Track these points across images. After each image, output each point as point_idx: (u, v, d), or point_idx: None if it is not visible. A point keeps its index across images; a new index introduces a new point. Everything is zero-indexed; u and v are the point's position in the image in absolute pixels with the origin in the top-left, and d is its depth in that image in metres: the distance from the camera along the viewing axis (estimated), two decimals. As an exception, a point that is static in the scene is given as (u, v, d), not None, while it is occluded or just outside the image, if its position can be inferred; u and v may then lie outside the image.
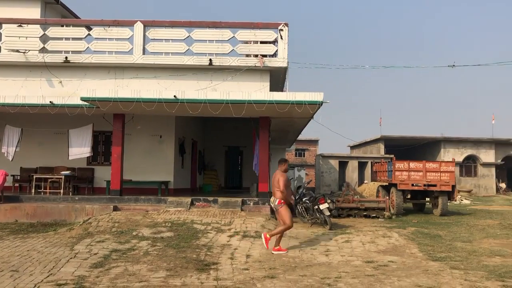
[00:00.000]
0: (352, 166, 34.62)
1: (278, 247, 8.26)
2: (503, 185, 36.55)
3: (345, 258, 7.72)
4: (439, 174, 14.90)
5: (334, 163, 34.32)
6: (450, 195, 15.11)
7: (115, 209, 12.11)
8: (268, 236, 8.36)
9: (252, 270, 6.82)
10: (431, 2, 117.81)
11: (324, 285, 5.92)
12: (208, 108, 11.53)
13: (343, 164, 35.12)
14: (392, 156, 33.64)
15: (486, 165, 35.42)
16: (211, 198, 12.81)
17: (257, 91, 12.37)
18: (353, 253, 8.20)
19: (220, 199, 12.72)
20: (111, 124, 13.24)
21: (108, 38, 13.75)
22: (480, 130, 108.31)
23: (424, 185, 14.84)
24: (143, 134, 15.15)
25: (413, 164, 15.17)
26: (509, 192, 36.11)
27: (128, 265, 7.02)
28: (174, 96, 11.45)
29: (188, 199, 12.59)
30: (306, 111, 11.75)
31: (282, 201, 8.36)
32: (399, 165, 15.14)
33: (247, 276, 6.42)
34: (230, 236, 9.43)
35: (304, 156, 58.84)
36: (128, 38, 13.65)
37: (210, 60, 13.23)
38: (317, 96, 10.96)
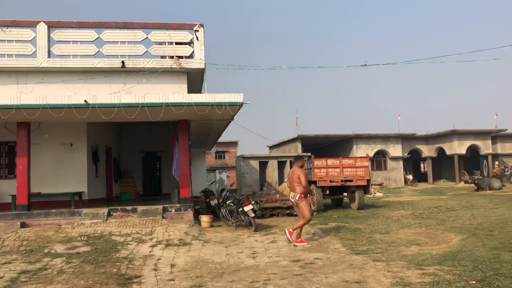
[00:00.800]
0: (272, 165, 35.14)
1: (300, 239, 8.93)
2: (410, 177, 39.17)
3: (272, 259, 7.65)
4: (354, 169, 15.50)
5: (255, 163, 34.60)
6: (365, 189, 15.78)
7: (23, 225, 11.12)
8: (291, 230, 8.96)
9: (178, 280, 6.50)
10: (341, 2, 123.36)
11: (254, 289, 5.78)
12: (123, 113, 10.93)
13: (263, 164, 35.52)
14: (309, 154, 34.71)
15: (395, 159, 37.75)
16: (129, 207, 12.19)
17: (174, 93, 11.97)
18: (280, 253, 8.17)
19: (140, 208, 12.15)
20: (14, 133, 12.12)
21: (7, 40, 12.59)
22: (388, 127, 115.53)
23: (342, 181, 15.35)
24: (52, 143, 14.07)
25: (330, 161, 15.63)
26: (416, 183, 38.80)
27: (40, 286, 6.37)
28: (85, 101, 10.71)
29: (104, 210, 11.88)
30: (227, 113, 11.59)
31: (303, 195, 8.85)
32: (318, 162, 15.52)
33: (173, 287, 6.11)
34: (152, 246, 9.00)
35: (224, 158, 58.80)
36: (30, 40, 12.61)
37: (123, 62, 12.61)
38: (237, 97, 10.84)
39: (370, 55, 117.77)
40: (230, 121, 13.89)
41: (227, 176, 43.85)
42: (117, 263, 7.68)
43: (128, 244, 9.17)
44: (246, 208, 10.76)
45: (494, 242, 7.92)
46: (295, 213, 13.91)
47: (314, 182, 15.31)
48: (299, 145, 37.66)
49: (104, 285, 6.31)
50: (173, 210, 12.19)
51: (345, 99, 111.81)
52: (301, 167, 9.16)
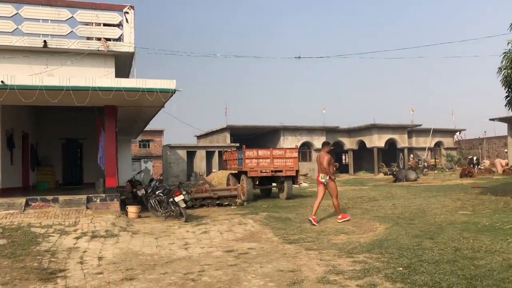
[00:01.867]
0: (200, 155, 34.85)
1: (342, 215, 10.05)
2: (333, 168, 40.68)
3: (205, 250, 7.53)
4: (284, 160, 15.77)
5: (182, 153, 34.11)
6: (294, 179, 16.12)
7: None
8: (339, 216, 10.01)
9: (107, 273, 6.18)
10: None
11: (188, 281, 5.63)
12: (45, 96, 10.17)
13: (191, 154, 35.11)
14: (237, 144, 34.81)
15: (319, 150, 38.87)
16: (50, 197, 11.43)
17: (102, 77, 11.34)
18: (213, 243, 8.07)
19: (62, 198, 11.44)
20: None
21: None
22: (314, 119, 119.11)
23: (272, 171, 15.55)
24: (-40, 127, 12.82)
25: (261, 152, 15.77)
26: (338, 174, 40.34)
27: None
28: (1, 81, 9.83)
29: (21, 200, 11.05)
30: (158, 100, 11.21)
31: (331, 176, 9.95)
32: (249, 153, 15.59)
33: (102, 281, 5.78)
34: (77, 238, 8.50)
35: (149, 147, 57.27)
36: None
37: (45, 41, 11.75)
38: (169, 84, 10.50)
39: (308, 48, 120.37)
40: (160, 109, 13.48)
41: (153, 165, 42.90)
42: (38, 257, 7.15)
43: (50, 236, 8.58)
44: (177, 199, 10.51)
45: (415, 230, 8.38)
46: (226, 203, 13.98)
47: (245, 173, 15.36)
48: (227, 135, 37.67)
49: (24, 281, 5.83)
50: (98, 200, 11.62)
51: (275, 91, 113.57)
52: (328, 152, 10.15)
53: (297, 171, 15.94)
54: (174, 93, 10.67)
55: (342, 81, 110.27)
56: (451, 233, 7.84)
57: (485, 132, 45.12)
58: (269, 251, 7.26)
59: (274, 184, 17.13)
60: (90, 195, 11.71)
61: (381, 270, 5.67)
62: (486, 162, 34.42)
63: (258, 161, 15.53)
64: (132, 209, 11.55)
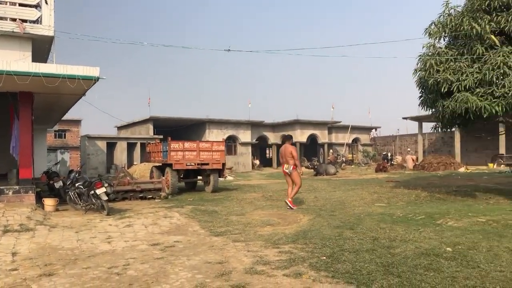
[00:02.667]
0: (121, 147, 33.69)
1: (291, 201, 10.81)
2: (257, 162, 41.34)
3: (129, 244, 7.32)
4: (211, 153, 15.71)
5: (102, 144, 32.77)
6: (220, 172, 16.13)
7: None
8: (290, 199, 10.80)
9: (23, 269, 5.80)
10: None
11: (113, 275, 5.45)
12: (-50, 79, 9.29)
13: (111, 146, 33.84)
14: (161, 136, 34.11)
15: (244, 144, 39.34)
16: (-47, 190, 10.49)
17: (17, 61, 10.55)
18: (137, 237, 7.87)
19: (-32, 190, 10.55)
20: None
21: None
22: (239, 113, 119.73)
23: (198, 164, 15.43)
24: None
25: (187, 144, 15.57)
26: (262, 167, 41.10)
27: None
28: None
29: None
30: (80, 87, 10.62)
31: (296, 167, 10.86)
32: (174, 145, 15.32)
33: (18, 278, 5.42)
34: (-13, 233, 7.89)
35: (65, 137, 54.35)
36: None
37: (-50, 19, 10.70)
38: (92, 71, 10.01)
39: (238, 42, 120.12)
40: (81, 97, 12.82)
41: (70, 157, 40.79)
42: None
43: (-45, 231, 7.88)
44: (98, 191, 10.08)
45: (336, 221, 8.77)
46: (150, 196, 13.68)
47: (170, 165, 15.10)
48: (150, 127, 36.75)
49: None
50: (10, 193, 10.85)
51: (202, 84, 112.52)
52: (292, 144, 11.19)
53: (223, 164, 15.97)
54: (97, 80, 10.20)
55: (268, 77, 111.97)
56: (369, 224, 8.30)
57: (398, 130, 48.28)
58: (196, 243, 7.22)
59: (199, 177, 17.02)
60: (1, 187, 10.89)
61: (306, 259, 5.87)
62: (398, 158, 36.75)
63: (184, 153, 15.32)
64: (49, 202, 10.92)
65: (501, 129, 27.80)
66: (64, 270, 5.72)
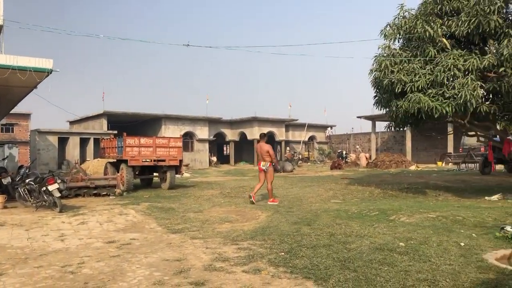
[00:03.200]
0: (74, 142, 32.62)
1: (272, 199, 11.24)
2: (214, 159, 41.16)
3: (84, 241, 7.12)
4: (168, 149, 15.48)
5: (53, 139, 31.60)
6: (177, 169, 15.94)
7: None
8: (254, 194, 11.24)
9: (-31, 270, 5.52)
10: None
11: (67, 274, 5.28)
12: None
13: (63, 141, 32.69)
14: (115, 132, 33.30)
15: (201, 141, 39.08)
16: None
17: (-37, 50, 9.99)
18: (92, 234, 7.65)
19: None
20: None
21: None
22: (196, 109, 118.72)
23: (154, 161, 15.18)
24: None
25: (143, 140, 15.28)
26: (219, 164, 40.97)
27: None
28: None
29: None
30: (31, 80, 10.19)
31: (272, 164, 11.40)
32: (130, 141, 14.99)
33: (-37, 279, 5.16)
34: None
35: (13, 132, 52.19)
36: None
37: None
38: (45, 63, 9.63)
39: (198, 38, 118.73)
40: (32, 90, 12.30)
41: (18, 152, 39.07)
42: None
43: None
44: (50, 187, 9.72)
45: (294, 217, 8.88)
46: (104, 193, 13.34)
47: (125, 161, 14.76)
48: (104, 122, 35.78)
49: None
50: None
51: (160, 79, 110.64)
52: (267, 142, 11.49)
53: (180, 161, 15.79)
54: (51, 73, 9.82)
55: (227, 74, 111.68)
56: (326, 220, 8.46)
57: (352, 128, 49.33)
58: (153, 241, 7.11)
59: (155, 174, 16.76)
60: None
61: (265, 255, 5.91)
62: (352, 156, 37.63)
63: (140, 149, 15.01)
64: (-4, 199, 10.43)
65: (450, 129, 29.10)
66: (14, 269, 5.49)
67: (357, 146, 42.74)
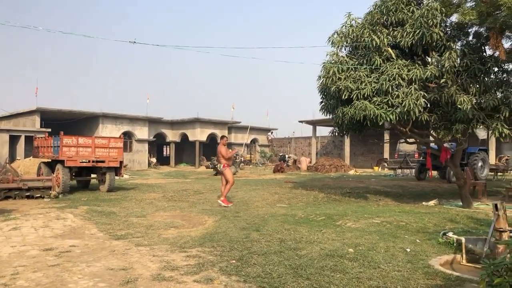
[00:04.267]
0: (2, 140, 30.51)
1: (224, 199, 11.29)
2: (154, 160, 40.18)
3: (17, 249, 6.56)
4: (108, 150, 14.81)
5: (-21, 136, 29.39)
6: (117, 170, 15.30)
7: None
8: (222, 198, 11.23)
9: None
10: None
11: (0, 286, 4.82)
12: None
13: (-11, 138, 30.51)
14: (49, 130, 31.57)
15: (141, 141, 37.99)
16: None
17: None
18: (26, 241, 7.09)
19: None
20: None
21: None
22: (136, 108, 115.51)
23: (93, 161, 14.46)
24: None
25: (82, 140, 14.51)
26: (159, 166, 40.05)
27: None
28: None
29: None
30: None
31: (226, 165, 11.42)
32: (67, 140, 14.17)
33: None
34: None
35: None
36: None
37: None
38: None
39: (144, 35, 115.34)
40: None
41: None
42: None
43: None
44: (-22, 189, 8.95)
45: (242, 223, 8.74)
46: (38, 195, 12.53)
47: (61, 162, 13.94)
48: (37, 119, 33.76)
49: None
50: None
51: (99, 76, 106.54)
52: (225, 144, 11.68)
53: (121, 162, 15.17)
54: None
55: (169, 73, 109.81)
56: (274, 225, 8.40)
57: (293, 132, 49.98)
58: (95, 248, 6.70)
59: (93, 175, 15.99)
60: None
61: (215, 263, 5.73)
62: (293, 158, 38.14)
63: (77, 149, 14.22)
64: None
65: (386, 135, 30.27)
66: None
67: (290, 154, 43.35)
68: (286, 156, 36.05)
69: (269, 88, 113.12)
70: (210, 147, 43.37)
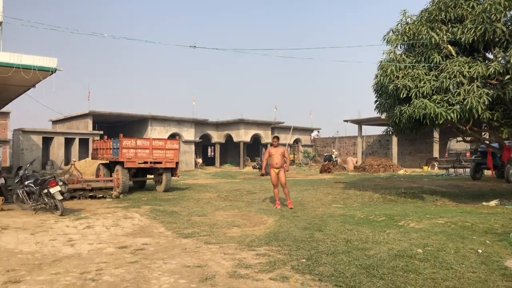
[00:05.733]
0: (58, 142, 32.02)
1: (289, 201, 11.27)
2: (200, 160, 40.89)
3: (94, 247, 6.92)
4: (164, 151, 15.27)
5: (37, 139, 30.96)
6: (173, 171, 15.73)
7: None
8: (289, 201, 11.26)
9: (-17, 277, 5.30)
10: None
11: (88, 281, 5.11)
12: None
13: (47, 141, 32.04)
14: (101, 132, 32.78)
15: (188, 142, 38.76)
16: None
17: (-38, 47, 9.64)
18: (101, 239, 7.46)
19: None
20: None
21: None
22: (183, 111, 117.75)
23: (151, 163, 14.94)
24: None
25: (140, 142, 15.03)
26: (204, 166, 40.70)
27: None
28: None
29: None
30: (34, 78, 9.90)
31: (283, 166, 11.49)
32: (127, 142, 14.72)
33: (-21, 286, 4.94)
34: None
35: (-9, 130, 50.85)
36: None
37: None
38: (50, 62, 9.35)
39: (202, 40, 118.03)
40: (29, 88, 11.98)
41: (3, 151, 38.13)
42: None
43: None
44: (52, 190, 9.45)
45: (302, 223, 8.82)
46: (100, 195, 13.06)
47: (121, 163, 14.50)
48: (90, 122, 35.17)
49: None
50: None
51: (146, 80, 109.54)
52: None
53: (177, 163, 15.59)
54: (55, 72, 9.56)
55: (213, 75, 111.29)
56: (335, 225, 8.42)
57: (337, 132, 49.58)
58: (166, 246, 6.96)
59: (150, 176, 16.51)
60: None
61: (286, 262, 5.83)
62: (339, 159, 37.83)
63: (136, 151, 14.76)
64: (-7, 201, 10.10)
65: (435, 134, 29.49)
66: (31, 276, 5.29)
67: (333, 150, 42.91)
68: (333, 156, 35.72)
69: (313, 88, 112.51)
70: (253, 147, 43.66)
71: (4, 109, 48.21)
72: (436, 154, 32.68)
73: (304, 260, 5.92)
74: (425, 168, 31.62)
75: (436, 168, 29.59)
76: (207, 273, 5.40)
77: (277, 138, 11.85)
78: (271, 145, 11.66)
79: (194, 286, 4.93)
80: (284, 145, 44.66)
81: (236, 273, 5.37)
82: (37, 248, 6.77)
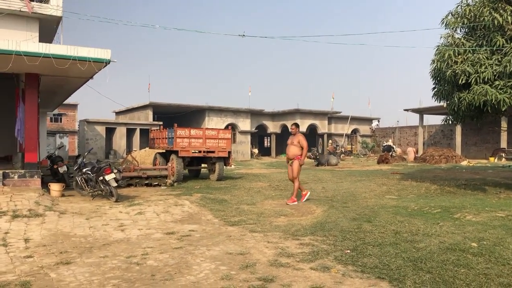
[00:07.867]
0: (120, 132, 33.38)
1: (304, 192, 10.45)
2: (255, 151, 41.12)
3: (143, 232, 7.14)
4: (217, 141, 15.48)
5: (101, 129, 32.44)
6: (226, 160, 15.92)
7: None
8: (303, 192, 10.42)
9: (38, 256, 5.61)
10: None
11: (133, 265, 5.27)
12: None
13: (110, 131, 33.51)
14: (161, 123, 33.80)
15: (244, 132, 39.09)
16: (-43, 172, 10.22)
17: (26, 41, 10.21)
18: (150, 225, 7.68)
19: (-29, 173, 10.28)
20: None
21: None
22: (239, 101, 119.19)
23: (204, 152, 15.20)
24: None
25: (193, 131, 15.33)
26: (260, 157, 40.90)
27: None
28: None
29: None
30: (90, 70, 10.33)
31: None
32: (181, 132, 15.06)
33: (34, 266, 5.24)
34: (-4, 218, 7.67)
35: (61, 121, 54.04)
36: None
37: (-45, -4, 10.34)
38: (104, 54, 9.71)
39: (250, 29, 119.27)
40: (87, 80, 12.53)
41: (69, 141, 40.44)
42: (-48, 239, 6.34)
43: (-38, 215, 7.67)
44: (107, 177, 9.86)
45: (351, 213, 8.61)
46: (155, 183, 13.47)
47: (175, 152, 14.86)
48: (150, 113, 36.34)
49: None
50: (16, 177, 10.60)
51: (203, 71, 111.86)
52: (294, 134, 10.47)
53: (229, 153, 15.76)
54: (109, 63, 9.91)
55: (269, 65, 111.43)
56: (386, 217, 8.15)
57: (397, 121, 48.02)
58: (212, 233, 7.05)
59: (204, 165, 16.82)
60: (6, 171, 10.64)
61: (330, 252, 5.71)
62: (398, 150, 36.64)
63: (190, 140, 15.07)
64: (55, 187, 10.69)
65: (504, 123, 27.73)
66: (81, 258, 5.54)
67: (389, 140, 41.41)
68: (392, 146, 34.59)
69: (371, 76, 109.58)
70: (308, 137, 43.17)
71: (72, 102, 51.12)
72: (504, 144, 30.76)
73: (348, 251, 5.77)
74: (491, 159, 29.85)
75: (503, 159, 27.87)
76: (248, 260, 5.41)
77: (296, 125, 10.68)
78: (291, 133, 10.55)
79: (234, 273, 4.94)
80: (341, 135, 43.93)
81: (277, 261, 5.33)
82: (90, 232, 7.08)
